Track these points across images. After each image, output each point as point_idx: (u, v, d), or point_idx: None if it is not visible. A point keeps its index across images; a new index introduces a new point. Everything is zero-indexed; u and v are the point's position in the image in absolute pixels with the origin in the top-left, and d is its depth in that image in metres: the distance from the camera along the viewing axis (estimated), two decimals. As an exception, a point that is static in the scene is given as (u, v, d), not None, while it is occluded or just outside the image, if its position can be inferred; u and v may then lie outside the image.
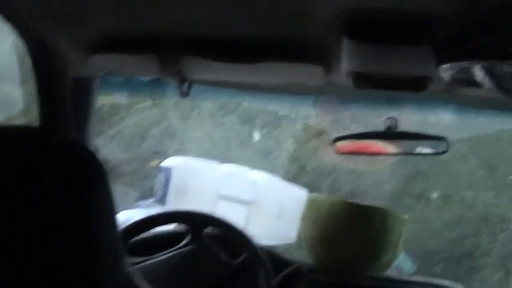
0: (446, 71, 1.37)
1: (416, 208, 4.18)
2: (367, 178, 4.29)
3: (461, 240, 4.08)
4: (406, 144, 1.96)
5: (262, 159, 4.27)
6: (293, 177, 4.16)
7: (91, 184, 0.85)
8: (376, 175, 4.32)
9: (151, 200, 2.31)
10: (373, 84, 1.54)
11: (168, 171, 2.18)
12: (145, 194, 3.75)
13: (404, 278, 2.16)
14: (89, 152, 0.87)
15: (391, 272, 2.28)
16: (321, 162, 4.34)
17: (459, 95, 1.70)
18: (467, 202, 4.19)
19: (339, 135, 1.97)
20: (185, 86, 1.77)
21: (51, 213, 0.81)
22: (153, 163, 3.95)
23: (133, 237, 1.89)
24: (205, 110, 4.31)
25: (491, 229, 4.07)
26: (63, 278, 0.82)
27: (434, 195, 4.30)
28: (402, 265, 3.04)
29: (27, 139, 0.84)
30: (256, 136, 4.31)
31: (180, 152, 4.05)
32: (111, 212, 0.88)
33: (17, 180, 0.80)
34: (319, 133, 4.33)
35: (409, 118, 2.07)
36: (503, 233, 4.02)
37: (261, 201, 2.23)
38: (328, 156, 4.23)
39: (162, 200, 2.19)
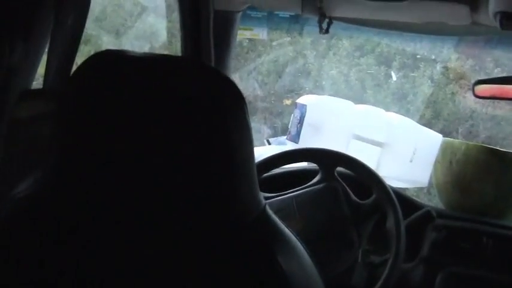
0: None
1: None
2: (507, 125, 4.14)
3: None
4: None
5: (397, 102, 4.20)
6: (428, 122, 4.08)
7: (231, 113, 0.87)
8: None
9: (285, 137, 2.33)
10: None
11: (303, 108, 2.19)
12: (279, 132, 3.80)
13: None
14: (230, 82, 0.89)
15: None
16: (458, 107, 4.21)
17: None
18: None
19: (478, 79, 1.90)
20: (325, 22, 1.76)
21: (192, 140, 0.84)
22: (287, 101, 3.98)
23: (265, 172, 1.93)
24: (341, 50, 4.26)
25: None
26: (201, 202, 0.85)
27: None
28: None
29: (171, 68, 0.86)
30: (393, 78, 4.24)
31: (315, 91, 4.05)
32: (248, 142, 0.90)
33: (160, 108, 0.83)
34: (459, 77, 4.20)
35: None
36: None
37: (395, 143, 2.20)
38: (466, 102, 4.11)
39: (295, 137, 2.20)
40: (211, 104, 0.85)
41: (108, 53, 0.88)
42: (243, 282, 0.86)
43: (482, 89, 1.92)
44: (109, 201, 0.84)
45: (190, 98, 0.84)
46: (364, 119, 2.22)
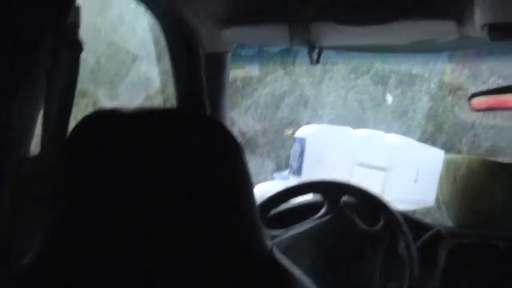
0: None
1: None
2: (508, 133, 4.13)
3: None
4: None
5: (397, 120, 4.20)
6: (430, 137, 4.08)
7: (228, 161, 0.87)
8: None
9: (288, 171, 2.34)
10: (510, 35, 1.48)
11: (302, 141, 2.19)
12: (282, 164, 3.80)
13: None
14: (224, 129, 0.89)
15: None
16: (458, 119, 4.21)
17: None
18: None
19: (476, 89, 1.91)
20: (315, 53, 1.77)
21: (191, 191, 0.84)
22: (288, 132, 3.98)
23: (271, 209, 1.92)
24: (337, 74, 4.28)
25: None
26: (204, 253, 0.85)
27: None
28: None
29: (164, 122, 0.87)
30: (390, 97, 4.25)
31: (314, 118, 4.05)
32: (248, 186, 0.90)
33: (157, 164, 0.83)
34: (456, 89, 4.20)
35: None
36: None
37: (397, 165, 2.20)
38: (466, 113, 4.11)
39: (298, 171, 2.20)
40: (207, 153, 0.85)
41: (101, 114, 0.89)
42: None
43: (478, 101, 1.92)
44: (113, 269, 0.84)
45: (185, 150, 0.84)
46: (365, 144, 2.22)
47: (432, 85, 4.23)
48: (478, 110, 1.95)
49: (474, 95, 1.91)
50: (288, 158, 2.39)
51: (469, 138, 4.13)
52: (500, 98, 1.91)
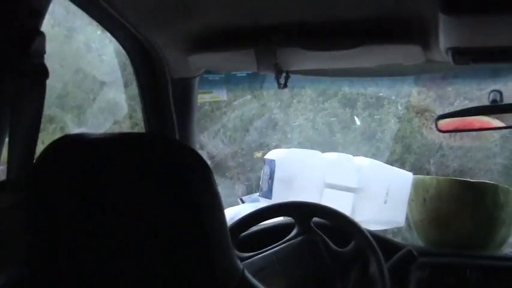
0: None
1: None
2: (476, 153, 4.18)
3: None
4: (513, 115, 1.90)
5: (366, 142, 4.23)
6: (399, 158, 4.11)
7: (198, 184, 0.87)
8: (485, 149, 4.20)
9: (257, 193, 2.33)
10: (473, 59, 1.50)
11: (271, 163, 2.19)
12: (252, 187, 3.80)
13: (522, 254, 2.09)
14: (193, 153, 0.89)
15: (507, 250, 2.22)
16: (426, 140, 4.25)
17: None
18: None
19: (442, 111, 1.93)
20: (282, 77, 1.78)
21: (161, 217, 0.83)
22: (258, 154, 3.98)
23: (242, 232, 1.92)
24: (305, 97, 4.31)
25: None
26: (173, 274, 0.84)
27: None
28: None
29: (131, 147, 0.86)
30: (357, 122, 4.28)
31: (283, 141, 4.07)
32: (218, 210, 0.90)
33: (125, 188, 0.83)
34: (423, 111, 4.25)
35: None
36: None
37: (367, 187, 2.21)
38: (434, 134, 4.15)
39: (268, 193, 2.20)
40: (176, 177, 0.85)
41: (68, 139, 0.88)
42: None
43: (444, 123, 1.94)
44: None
45: (154, 175, 0.84)
46: (333, 166, 2.23)
47: (399, 107, 4.27)
48: (445, 132, 1.98)
49: (441, 117, 1.93)
50: (258, 180, 2.39)
51: (436, 159, 4.17)
52: (466, 119, 1.93)
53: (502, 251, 2.16)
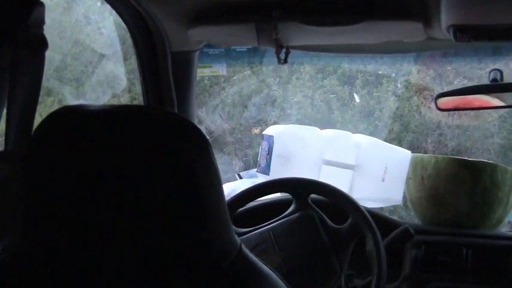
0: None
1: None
2: (473, 132, 4.19)
3: None
4: (513, 96, 1.90)
5: (364, 120, 4.23)
6: (396, 136, 4.12)
7: (196, 158, 0.86)
8: (483, 128, 4.20)
9: (255, 169, 2.33)
10: (474, 37, 1.50)
11: (270, 139, 2.19)
12: (250, 163, 3.80)
13: (518, 234, 2.10)
14: (192, 127, 0.88)
15: (503, 229, 2.22)
16: (424, 119, 4.25)
17: None
18: None
19: (441, 90, 1.92)
20: (282, 52, 1.77)
21: (159, 189, 0.83)
22: (255, 131, 3.98)
23: (239, 208, 1.92)
24: (304, 74, 4.30)
25: None
26: (173, 252, 0.84)
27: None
28: (515, 221, 2.95)
29: (131, 119, 0.86)
30: (356, 100, 4.27)
31: (282, 118, 4.06)
32: (217, 184, 0.89)
33: (124, 160, 0.82)
34: (422, 89, 4.25)
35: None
36: None
37: (365, 164, 2.20)
38: (432, 113, 4.15)
39: (266, 169, 2.20)
40: (175, 150, 0.84)
41: (67, 110, 0.87)
42: None
43: (444, 101, 1.93)
44: (80, 262, 0.83)
45: (153, 147, 0.83)
46: (332, 143, 2.22)
47: (398, 85, 4.27)
48: (444, 110, 1.97)
49: (440, 95, 1.92)
50: (256, 156, 2.39)
51: (434, 138, 4.17)
52: (466, 98, 1.93)
53: (498, 230, 2.17)
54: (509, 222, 2.38)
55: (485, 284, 1.96)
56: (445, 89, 3.80)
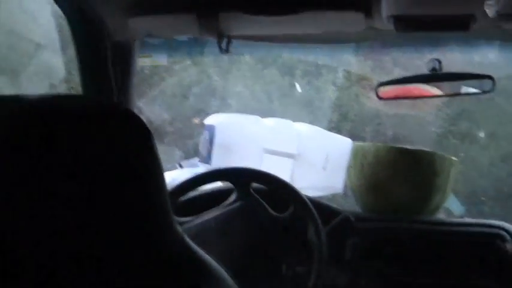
0: (490, 7, 1.34)
1: (462, 148, 4.13)
2: (411, 121, 4.24)
3: (508, 178, 4.03)
4: (451, 85, 1.93)
5: (304, 110, 4.24)
6: (336, 126, 4.14)
7: (137, 149, 0.85)
8: (420, 118, 4.26)
9: (197, 158, 2.32)
10: (414, 27, 1.52)
11: (211, 128, 2.18)
12: (190, 153, 3.78)
13: (454, 220, 2.15)
14: (134, 116, 0.87)
15: (440, 215, 2.27)
16: (363, 108, 4.29)
17: (504, 31, 1.65)
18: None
19: (381, 80, 1.95)
20: (224, 42, 1.76)
21: (99, 180, 0.81)
22: (196, 121, 3.96)
23: (179, 197, 1.91)
24: (244, 65, 4.28)
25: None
26: (114, 243, 0.83)
27: (481, 133, 4.23)
28: (451, 207, 3.01)
29: (68, 109, 0.84)
30: (298, 89, 4.29)
31: (222, 108, 4.05)
32: (158, 174, 0.88)
33: (62, 149, 0.80)
34: (361, 79, 4.28)
35: (453, 58, 2.03)
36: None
37: (306, 153, 2.22)
38: (371, 102, 4.19)
39: (207, 159, 2.19)
40: (116, 141, 0.83)
41: (1, 101, 0.85)
42: None
43: (385, 90, 1.96)
44: (21, 251, 0.81)
45: (92, 137, 0.82)
46: (273, 132, 2.22)
47: (338, 75, 4.29)
48: (385, 99, 2.00)
49: (381, 84, 1.95)
50: (196, 146, 2.37)
51: (373, 127, 4.22)
52: (405, 87, 1.96)
53: (436, 216, 2.21)
54: (446, 209, 2.43)
55: (424, 269, 2.00)
56: (383, 79, 3.85)
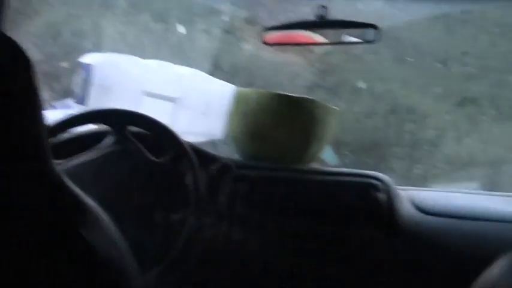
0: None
1: (328, 102, 4.23)
2: (281, 72, 4.29)
3: (371, 132, 4.16)
4: (336, 33, 1.92)
5: (176, 58, 4.18)
6: (209, 74, 4.12)
7: (17, 76, 0.78)
8: (290, 70, 4.31)
9: (71, 99, 2.20)
10: None
11: (88, 68, 2.06)
12: (59, 95, 3.64)
13: (331, 169, 2.17)
14: (13, 43, 0.80)
15: (316, 164, 2.29)
16: (236, 58, 4.29)
17: None
18: (377, 95, 4.25)
19: (253, 31, 1.92)
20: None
21: None
22: (64, 64, 3.82)
23: (51, 138, 1.80)
24: (117, 9, 4.16)
25: (399, 120, 4.16)
26: None
27: (346, 88, 4.35)
28: (326, 157, 3.06)
29: None
30: (171, 34, 4.21)
31: (94, 51, 3.92)
32: (37, 106, 0.83)
33: None
34: (235, 29, 4.27)
35: (339, 6, 2.02)
36: (410, 123, 4.12)
37: (187, 97, 2.16)
38: (243, 52, 4.19)
39: (82, 99, 2.07)
40: None
41: None
42: (48, 259, 0.82)
43: (270, 36, 1.92)
44: None
45: None
46: (154, 74, 2.15)
47: (212, 24, 4.25)
48: (270, 45, 1.97)
49: (267, 29, 1.91)
50: (65, 90, 2.26)
51: (243, 77, 4.22)
52: (291, 34, 1.93)
53: (312, 165, 2.23)
54: (321, 159, 2.46)
55: (300, 217, 2.01)
56: (257, 30, 3.85)
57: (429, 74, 4.28)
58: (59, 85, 3.76)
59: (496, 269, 1.07)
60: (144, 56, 2.29)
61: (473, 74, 4.18)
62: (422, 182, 3.96)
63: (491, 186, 3.83)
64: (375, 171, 2.14)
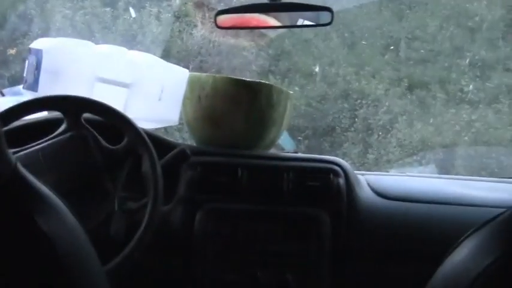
0: None
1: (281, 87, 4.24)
2: (233, 58, 4.26)
3: (323, 117, 4.18)
4: (290, 16, 1.92)
5: (126, 44, 4.12)
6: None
7: None
8: (242, 55, 4.30)
9: (21, 86, 2.13)
10: None
11: (38, 53, 2.00)
12: (6, 83, 3.55)
13: (289, 154, 2.16)
14: None
15: (273, 150, 2.28)
16: (186, 44, 4.25)
17: None
18: (329, 79, 4.27)
19: (202, 18, 1.90)
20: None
21: None
22: (11, 51, 3.74)
23: (3, 127, 1.75)
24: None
25: (351, 105, 4.18)
26: None
27: (298, 74, 4.35)
28: (283, 142, 3.06)
29: None
30: (120, 19, 4.15)
31: (41, 37, 3.84)
32: None
33: None
34: (184, 15, 4.23)
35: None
36: (362, 108, 4.14)
37: (141, 82, 2.11)
38: (194, 38, 4.16)
39: (33, 86, 2.01)
40: None
41: None
42: (2, 248, 0.81)
43: (223, 19, 1.91)
44: None
45: None
46: (106, 59, 2.09)
47: (161, 10, 4.21)
48: (223, 28, 1.95)
49: (220, 12, 1.89)
50: (14, 77, 2.20)
51: (195, 64, 4.19)
52: (244, 17, 1.92)
53: (270, 150, 2.22)
54: (278, 144, 2.45)
55: (259, 203, 2.00)
56: (207, 17, 3.82)
57: (380, 58, 4.30)
58: (7, 72, 3.67)
59: (464, 249, 1.08)
60: (93, 41, 2.25)
61: (423, 57, 4.21)
62: (376, 167, 3.98)
63: (447, 169, 3.88)
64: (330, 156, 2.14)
